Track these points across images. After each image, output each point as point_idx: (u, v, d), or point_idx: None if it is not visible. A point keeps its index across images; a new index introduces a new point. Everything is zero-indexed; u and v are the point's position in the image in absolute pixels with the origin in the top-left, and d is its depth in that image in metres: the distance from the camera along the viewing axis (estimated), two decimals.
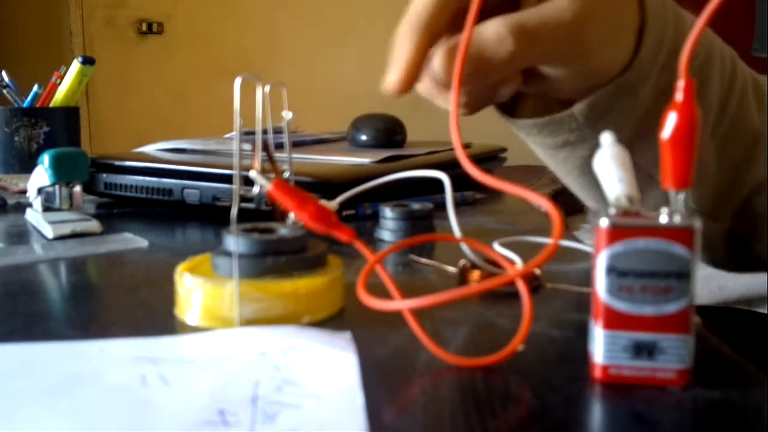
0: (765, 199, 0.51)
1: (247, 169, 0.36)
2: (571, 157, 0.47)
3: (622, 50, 0.42)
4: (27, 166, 0.94)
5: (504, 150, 0.94)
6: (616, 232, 0.27)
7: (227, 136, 0.95)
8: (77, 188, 0.59)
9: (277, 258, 0.35)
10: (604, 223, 0.28)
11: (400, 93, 0.38)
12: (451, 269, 0.45)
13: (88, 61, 1.00)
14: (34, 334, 0.34)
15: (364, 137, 0.88)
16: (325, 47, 2.82)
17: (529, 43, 0.37)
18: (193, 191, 0.65)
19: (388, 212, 0.53)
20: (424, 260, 0.47)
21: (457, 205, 0.51)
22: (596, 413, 0.27)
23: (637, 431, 0.25)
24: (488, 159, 0.91)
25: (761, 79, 0.52)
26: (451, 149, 0.82)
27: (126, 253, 0.52)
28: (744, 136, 0.49)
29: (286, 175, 0.39)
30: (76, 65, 0.99)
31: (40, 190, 0.60)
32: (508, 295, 0.38)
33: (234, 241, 0.35)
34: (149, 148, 0.83)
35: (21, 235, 0.59)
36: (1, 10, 2.78)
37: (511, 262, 0.42)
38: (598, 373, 0.29)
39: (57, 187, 0.59)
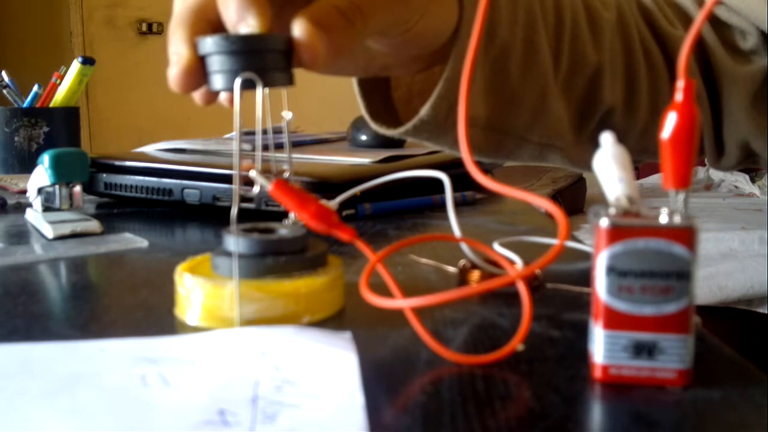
0: (616, 121, 0.54)
1: (247, 169, 0.36)
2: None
3: (447, 9, 0.43)
4: (27, 166, 0.94)
5: None
6: (616, 232, 0.27)
7: (227, 136, 0.95)
8: (77, 188, 0.59)
9: (277, 258, 0.35)
10: (604, 223, 0.28)
11: (184, 88, 0.35)
12: (451, 269, 0.45)
13: (88, 61, 1.00)
14: (34, 334, 0.34)
15: (364, 137, 0.88)
16: None
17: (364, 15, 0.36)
18: (193, 191, 0.65)
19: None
20: (424, 260, 0.47)
21: (457, 205, 0.51)
22: (596, 413, 0.27)
23: (637, 431, 0.25)
24: None
25: (598, 6, 0.54)
26: None
27: (126, 253, 0.52)
28: (584, 72, 0.52)
29: (286, 175, 0.39)
30: (76, 65, 0.99)
31: (40, 190, 0.60)
32: (508, 295, 0.38)
33: (234, 241, 0.35)
34: (149, 148, 0.83)
35: (21, 235, 0.59)
36: (1, 11, 2.78)
37: (511, 263, 0.42)
38: (598, 373, 0.29)
39: (57, 187, 0.59)
